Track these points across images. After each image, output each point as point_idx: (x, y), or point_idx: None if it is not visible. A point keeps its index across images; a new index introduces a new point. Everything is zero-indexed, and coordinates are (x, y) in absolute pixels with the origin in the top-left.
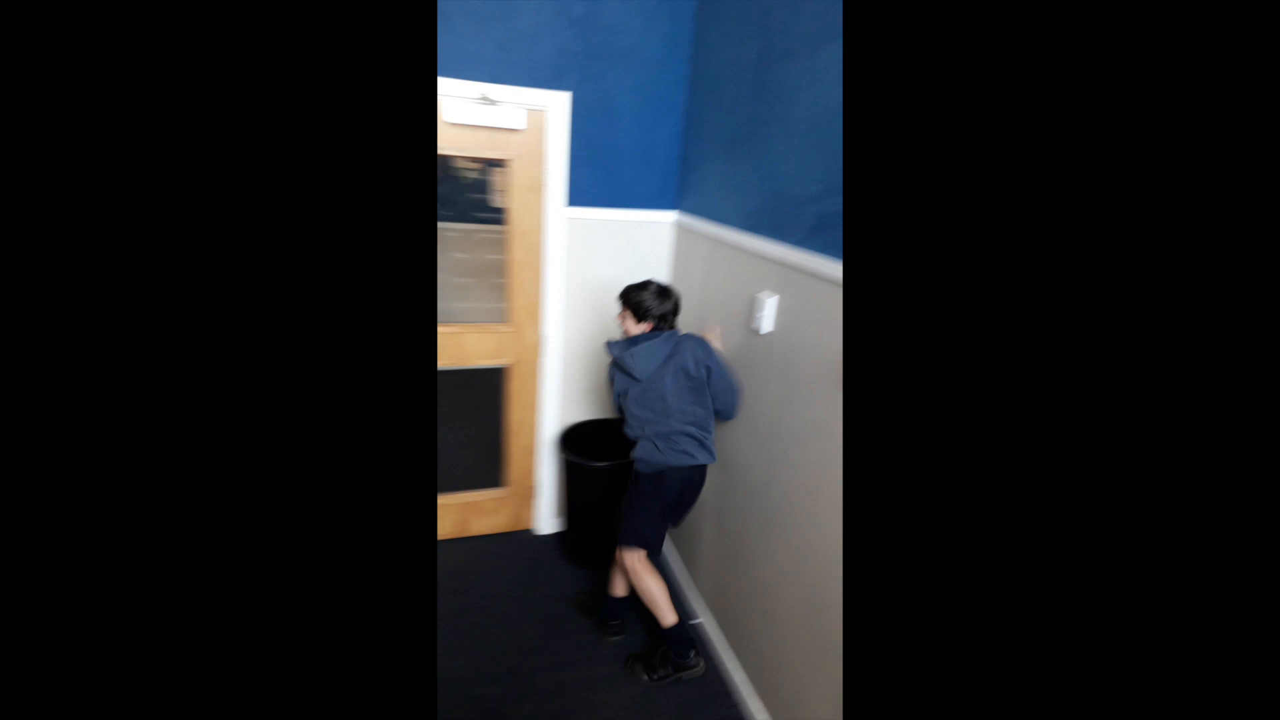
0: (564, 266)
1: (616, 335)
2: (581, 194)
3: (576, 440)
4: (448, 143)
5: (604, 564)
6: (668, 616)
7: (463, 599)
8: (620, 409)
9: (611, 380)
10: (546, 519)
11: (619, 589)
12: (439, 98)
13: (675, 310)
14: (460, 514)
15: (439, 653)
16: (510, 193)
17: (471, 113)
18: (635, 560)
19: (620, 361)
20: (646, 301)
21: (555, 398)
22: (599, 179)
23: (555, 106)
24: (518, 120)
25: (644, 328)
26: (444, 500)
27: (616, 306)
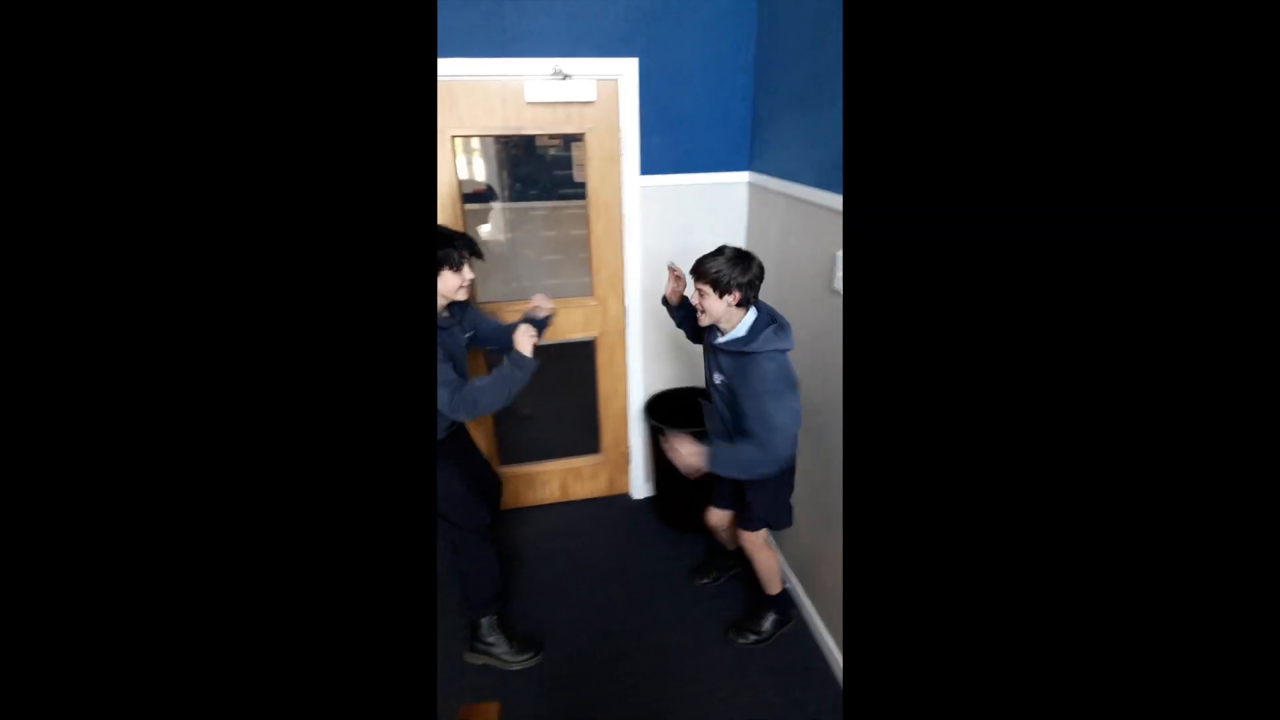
0: (640, 236)
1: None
2: (654, 161)
3: (662, 408)
4: (528, 122)
5: (695, 527)
6: (777, 586)
7: (567, 560)
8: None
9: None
10: (640, 484)
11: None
12: (519, 78)
13: (760, 278)
14: (561, 479)
15: (547, 607)
16: (589, 166)
17: (548, 90)
18: (758, 538)
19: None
20: (725, 271)
21: (640, 367)
22: (670, 144)
23: (625, 74)
24: (589, 93)
25: (729, 302)
26: (546, 467)
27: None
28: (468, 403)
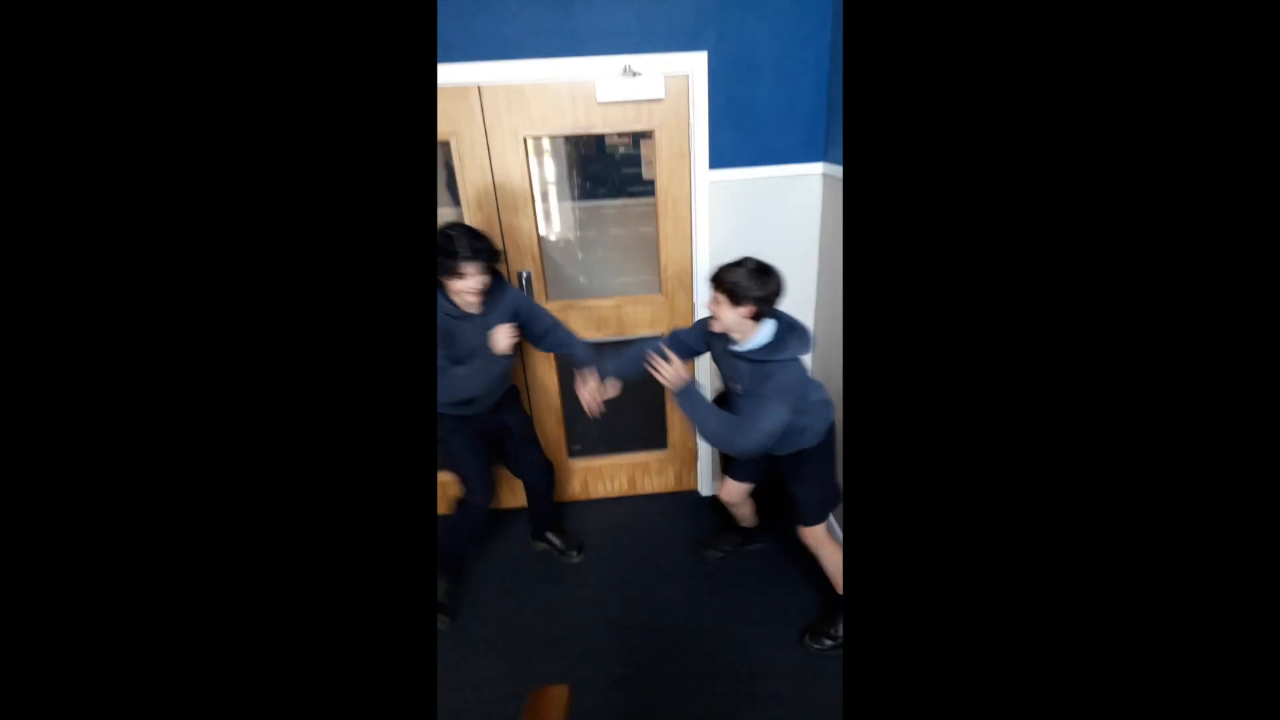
0: (709, 232)
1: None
2: (724, 155)
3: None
4: (598, 120)
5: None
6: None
7: (635, 553)
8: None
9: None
10: (706, 481)
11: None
12: (589, 78)
13: (778, 294)
14: (630, 473)
15: (617, 600)
16: (658, 163)
17: (618, 88)
18: (818, 532)
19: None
20: (743, 283)
21: (706, 364)
22: (741, 137)
23: (694, 69)
24: (658, 89)
25: (742, 314)
26: (615, 460)
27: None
28: (452, 387)
